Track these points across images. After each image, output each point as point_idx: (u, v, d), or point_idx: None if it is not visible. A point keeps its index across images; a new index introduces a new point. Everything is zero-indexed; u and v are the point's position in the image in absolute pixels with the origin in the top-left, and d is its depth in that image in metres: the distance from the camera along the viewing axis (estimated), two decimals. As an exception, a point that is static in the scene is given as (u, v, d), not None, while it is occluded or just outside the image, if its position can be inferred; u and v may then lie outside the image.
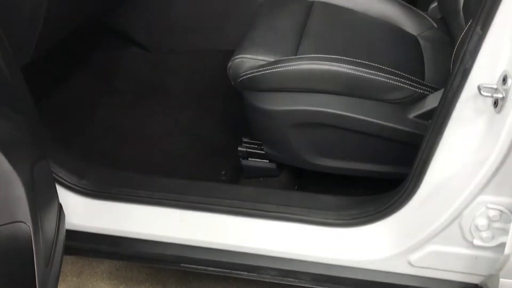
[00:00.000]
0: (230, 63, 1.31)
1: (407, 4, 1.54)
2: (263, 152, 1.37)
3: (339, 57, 1.21)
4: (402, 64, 1.29)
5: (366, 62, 1.21)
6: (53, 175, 1.13)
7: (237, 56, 1.30)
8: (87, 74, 1.88)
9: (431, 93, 1.19)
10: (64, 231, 0.99)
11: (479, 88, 0.85)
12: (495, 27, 0.83)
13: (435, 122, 0.96)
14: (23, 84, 1.11)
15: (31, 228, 0.80)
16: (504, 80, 0.84)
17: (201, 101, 1.76)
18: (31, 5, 1.07)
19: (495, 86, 0.85)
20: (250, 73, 1.26)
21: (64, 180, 1.21)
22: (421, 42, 1.46)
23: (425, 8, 1.60)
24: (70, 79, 1.83)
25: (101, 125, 1.68)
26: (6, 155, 0.82)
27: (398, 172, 1.22)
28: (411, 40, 1.46)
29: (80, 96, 1.79)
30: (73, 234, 1.20)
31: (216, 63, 1.78)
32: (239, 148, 1.40)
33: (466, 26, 1.28)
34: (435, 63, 1.36)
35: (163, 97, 1.80)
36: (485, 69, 0.86)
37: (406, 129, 1.18)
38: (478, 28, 0.85)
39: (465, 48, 0.88)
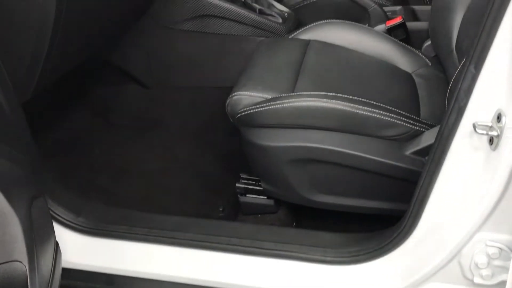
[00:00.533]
0: (228, 100, 1.32)
1: (401, 42, 1.58)
2: (261, 188, 1.37)
3: (336, 94, 1.23)
4: (398, 101, 1.31)
5: (362, 99, 1.22)
6: (50, 212, 1.12)
7: (235, 93, 1.32)
8: (85, 109, 1.89)
9: (427, 129, 1.21)
10: (60, 269, 0.98)
11: (474, 126, 0.87)
12: (487, 66, 0.85)
13: (432, 159, 0.96)
14: (23, 121, 1.12)
15: (27, 267, 0.79)
16: (499, 118, 0.85)
17: (200, 136, 1.77)
18: (34, 44, 1.09)
19: (490, 124, 0.86)
20: (248, 110, 1.28)
21: (61, 217, 1.20)
22: (416, 79, 1.49)
23: (419, 47, 1.64)
24: (68, 114, 1.84)
25: (99, 160, 1.68)
26: (4, 193, 0.82)
27: (397, 209, 1.22)
28: (406, 77, 1.49)
29: (78, 131, 1.80)
30: (69, 272, 1.18)
31: (214, 99, 1.80)
32: (237, 185, 1.40)
33: (459, 64, 1.31)
34: (430, 100, 1.39)
35: (161, 132, 1.81)
36: (479, 107, 0.88)
37: (403, 165, 1.19)
38: (472, 67, 0.87)
39: (459, 86, 0.90)
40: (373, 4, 1.70)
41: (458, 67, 1.30)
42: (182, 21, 1.76)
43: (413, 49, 1.57)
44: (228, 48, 1.79)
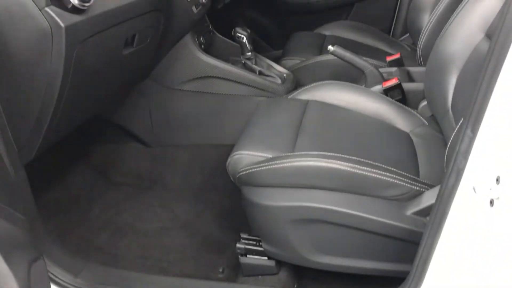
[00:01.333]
0: (229, 159, 1.34)
1: (398, 103, 1.62)
2: (262, 249, 1.36)
3: (336, 154, 1.25)
4: (397, 160, 1.32)
5: (362, 160, 1.24)
6: (48, 273, 1.10)
7: (236, 153, 1.33)
8: (85, 168, 1.90)
9: (427, 189, 1.21)
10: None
11: (474, 189, 0.87)
12: (484, 129, 0.87)
13: (433, 220, 0.96)
14: (26, 182, 1.13)
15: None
16: (498, 180, 0.86)
17: (199, 195, 1.77)
18: (40, 106, 1.12)
19: (489, 187, 0.87)
20: (249, 169, 1.29)
21: (59, 278, 1.18)
22: (413, 138, 1.51)
23: (415, 107, 1.68)
24: (68, 172, 1.85)
25: (98, 220, 1.67)
26: (4, 255, 0.81)
27: (400, 270, 1.21)
28: (404, 137, 1.51)
29: (78, 189, 1.80)
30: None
31: (214, 157, 1.82)
32: (238, 245, 1.39)
33: (455, 124, 1.34)
34: (428, 160, 1.40)
35: (161, 191, 1.81)
36: (478, 169, 0.89)
37: (405, 226, 1.18)
38: (469, 131, 0.89)
39: (457, 149, 0.91)
40: (369, 66, 1.75)
41: (454, 128, 1.33)
42: (184, 82, 1.81)
43: (409, 109, 1.61)
44: (228, 107, 1.83)
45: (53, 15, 1.03)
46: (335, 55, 1.77)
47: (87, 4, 1.08)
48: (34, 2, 1.01)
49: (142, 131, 1.90)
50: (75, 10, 1.06)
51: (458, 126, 1.08)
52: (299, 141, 1.37)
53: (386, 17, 2.60)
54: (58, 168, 1.84)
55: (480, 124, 0.87)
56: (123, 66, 1.43)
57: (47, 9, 1.02)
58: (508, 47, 0.80)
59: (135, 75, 1.66)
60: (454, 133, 1.13)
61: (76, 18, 1.07)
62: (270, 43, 2.66)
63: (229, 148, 1.38)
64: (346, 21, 2.53)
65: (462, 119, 0.94)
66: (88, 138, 1.96)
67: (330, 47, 1.76)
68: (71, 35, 1.06)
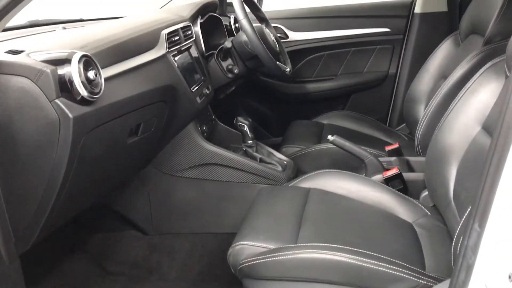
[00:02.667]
0: (230, 250, 1.31)
1: (399, 192, 1.62)
2: None
3: (340, 246, 1.22)
4: (402, 252, 1.30)
5: (368, 252, 1.21)
6: None
7: (237, 243, 1.31)
8: (81, 256, 1.85)
9: (435, 284, 1.18)
10: None
11: (485, 286, 0.84)
12: (492, 224, 0.86)
13: (445, 319, 0.92)
14: (20, 273, 1.09)
15: None
16: (510, 277, 0.83)
17: (198, 286, 1.71)
18: (42, 194, 1.11)
19: (502, 284, 0.84)
20: (251, 261, 1.26)
21: None
22: (417, 229, 1.49)
23: (416, 197, 1.68)
24: (64, 261, 1.80)
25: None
26: None
27: None
28: (407, 227, 1.49)
29: (73, 279, 1.74)
30: None
31: (214, 247, 1.78)
32: None
33: (459, 216, 1.33)
34: (433, 252, 1.37)
35: (158, 281, 1.75)
36: (488, 265, 0.86)
37: (414, 323, 1.13)
38: (476, 225, 0.87)
39: (465, 243, 0.90)
40: (369, 155, 1.78)
41: (458, 219, 1.32)
42: (185, 169, 1.82)
43: (411, 199, 1.61)
44: (229, 194, 1.83)
45: (62, 106, 1.05)
46: (334, 145, 1.80)
47: (96, 96, 1.11)
48: (44, 94, 1.04)
49: (141, 218, 1.87)
50: (84, 101, 1.09)
51: (463, 219, 1.06)
52: (302, 232, 1.35)
53: (382, 107, 2.68)
54: (54, 256, 1.79)
55: (487, 218, 0.86)
56: (127, 154, 1.44)
57: (57, 100, 1.05)
58: (511, 142, 0.81)
59: (138, 163, 1.68)
60: (459, 226, 1.12)
61: (84, 109, 1.10)
62: (269, 131, 2.72)
63: (230, 237, 1.35)
64: (343, 111, 2.61)
65: (468, 212, 0.93)
66: (85, 225, 1.93)
67: (329, 137, 1.79)
68: (78, 125, 1.08)
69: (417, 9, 2.48)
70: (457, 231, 1.12)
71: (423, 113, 2.15)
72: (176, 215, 1.86)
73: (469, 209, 1.06)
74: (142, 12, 2.08)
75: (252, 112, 2.64)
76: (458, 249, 1.12)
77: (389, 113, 2.69)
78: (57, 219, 1.23)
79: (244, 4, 1.94)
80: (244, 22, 1.89)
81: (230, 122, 2.20)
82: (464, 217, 1.10)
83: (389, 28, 2.54)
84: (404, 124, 2.53)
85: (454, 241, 1.14)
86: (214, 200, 1.83)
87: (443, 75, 2.13)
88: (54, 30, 1.65)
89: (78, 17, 2.14)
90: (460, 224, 1.11)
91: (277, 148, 2.14)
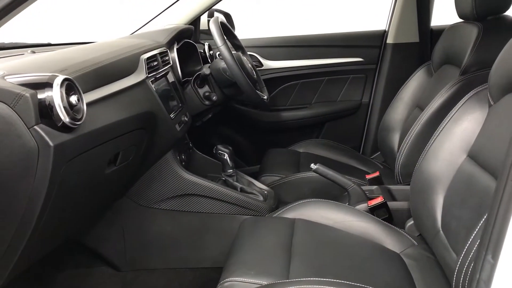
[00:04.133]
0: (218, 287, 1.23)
1: (385, 222, 1.59)
2: None
3: (334, 280, 1.17)
4: (395, 285, 1.26)
5: (361, 285, 1.16)
6: None
7: (226, 280, 1.22)
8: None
9: (433, 317, 1.14)
10: None
11: (504, 322, 0.81)
12: (506, 255, 0.83)
13: None
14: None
15: None
16: (527, 311, 0.80)
17: (176, 325, 1.60)
18: (14, 232, 1.00)
19: (521, 319, 0.80)
20: (242, 299, 1.18)
21: None
22: (405, 260, 1.46)
23: (401, 226, 1.65)
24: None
25: None
26: None
27: None
28: (396, 258, 1.45)
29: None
30: None
31: (193, 282, 1.68)
32: None
33: (449, 244, 1.31)
34: (425, 283, 1.34)
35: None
36: (503, 299, 0.83)
37: None
38: (489, 257, 0.84)
39: (478, 276, 0.86)
40: (352, 184, 1.75)
41: (449, 249, 1.30)
42: (163, 200, 1.73)
43: (397, 228, 1.58)
44: (209, 227, 1.75)
45: (42, 133, 0.96)
46: (317, 173, 1.77)
47: (78, 123, 1.03)
48: (22, 120, 0.95)
49: (114, 253, 1.75)
50: (65, 128, 1.01)
51: (474, 251, 1.02)
52: (293, 266, 1.28)
53: (356, 136, 2.69)
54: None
55: (501, 250, 0.83)
56: (104, 185, 1.35)
57: (36, 127, 0.96)
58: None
59: (114, 195, 1.58)
60: (461, 258, 1.08)
61: (65, 136, 1.01)
62: (244, 159, 2.66)
63: (209, 272, 1.28)
64: (318, 139, 2.59)
65: (478, 244, 0.90)
66: (51, 261, 1.78)
67: (313, 165, 1.76)
68: (59, 154, 0.99)
69: (389, 40, 2.53)
70: (458, 264, 1.09)
71: (398, 141, 2.17)
72: (152, 249, 1.75)
73: (475, 240, 1.04)
74: (113, 37, 2.01)
75: (226, 140, 2.58)
76: (461, 283, 1.09)
77: (363, 142, 2.70)
78: (29, 259, 1.11)
79: None
80: (223, 48, 1.85)
81: (206, 150, 2.14)
82: (475, 248, 1.07)
83: (362, 57, 2.57)
84: (379, 152, 2.54)
85: (455, 274, 1.10)
86: (193, 233, 1.74)
87: (417, 104, 2.16)
88: (23, 54, 1.55)
89: (45, 42, 2.04)
90: (462, 255, 1.07)
91: (255, 177, 2.09)
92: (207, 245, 1.74)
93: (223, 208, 1.75)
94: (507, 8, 1.76)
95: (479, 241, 0.94)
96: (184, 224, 1.74)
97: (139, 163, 1.51)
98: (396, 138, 2.21)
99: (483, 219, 1.04)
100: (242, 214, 1.75)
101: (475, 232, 1.05)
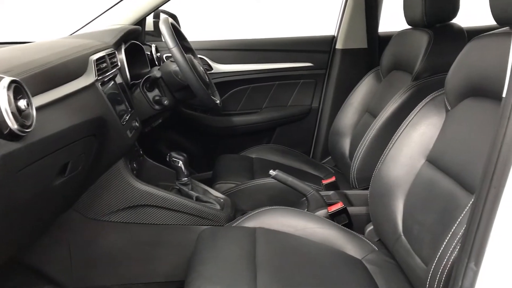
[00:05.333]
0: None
1: (345, 228, 1.58)
2: None
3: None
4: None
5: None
6: None
7: (191, 297, 1.15)
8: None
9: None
10: None
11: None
12: (488, 262, 0.82)
13: None
14: None
15: None
16: (511, 318, 0.80)
17: None
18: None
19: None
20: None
21: None
22: (368, 266, 1.45)
23: (361, 231, 1.65)
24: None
25: None
26: None
27: None
28: (358, 265, 1.44)
29: None
30: None
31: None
32: None
33: (413, 250, 1.32)
34: (391, 289, 1.34)
35: None
36: (486, 306, 0.83)
37: None
38: (472, 265, 0.84)
39: (460, 284, 0.85)
40: (311, 190, 1.73)
41: (413, 254, 1.30)
42: (113, 212, 1.61)
43: (358, 234, 1.57)
44: (163, 239, 1.65)
45: (-14, 142, 0.84)
46: (277, 179, 1.72)
47: (27, 130, 0.92)
48: (-38, 128, 0.83)
49: (59, 271, 1.61)
50: (13, 136, 0.89)
51: (454, 259, 1.01)
52: (260, 279, 1.23)
53: (306, 140, 2.69)
54: None
55: (483, 257, 0.83)
56: (52, 198, 1.22)
57: (-23, 135, 0.84)
58: (507, 176, 0.79)
59: (61, 208, 1.44)
60: (433, 265, 1.07)
61: (13, 145, 0.89)
62: (194, 166, 2.58)
63: (163, 287, 1.19)
64: (269, 144, 2.57)
65: (459, 250, 0.89)
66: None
67: (272, 172, 1.71)
68: (6, 165, 0.87)
69: (338, 45, 2.55)
70: (431, 271, 1.08)
71: (349, 146, 2.18)
72: (101, 265, 1.63)
73: (449, 247, 1.03)
74: (51, 37, 1.86)
75: (175, 146, 2.48)
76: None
77: (313, 146, 2.70)
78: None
79: None
80: (175, 50, 1.77)
81: (155, 157, 2.03)
82: (437, 254, 1.06)
83: (312, 62, 2.58)
84: (329, 157, 2.55)
85: (428, 282, 1.09)
86: (146, 246, 1.64)
87: (367, 109, 2.19)
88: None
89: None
90: (434, 263, 1.06)
91: (208, 184, 2.01)
92: (161, 259, 1.64)
93: (178, 218, 1.66)
94: (454, 15, 1.82)
95: (457, 248, 0.94)
96: (137, 237, 1.63)
97: (88, 172, 1.39)
98: (347, 142, 2.23)
99: (455, 225, 1.04)
100: (199, 225, 1.67)
101: (447, 238, 1.05)
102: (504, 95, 0.80)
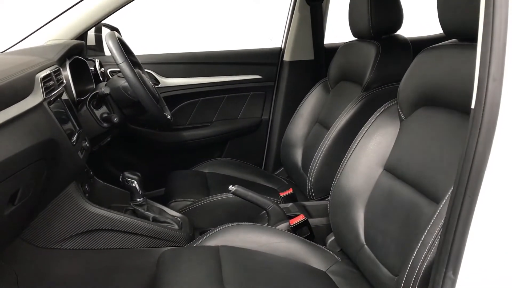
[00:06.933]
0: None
1: (308, 240, 1.58)
2: None
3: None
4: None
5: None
6: None
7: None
8: None
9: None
10: None
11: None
12: (465, 270, 0.84)
13: None
14: None
15: None
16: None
17: None
18: None
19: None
20: None
21: None
22: (332, 277, 1.45)
23: (322, 242, 1.66)
24: None
25: None
26: None
27: None
28: (323, 277, 1.44)
29: None
30: None
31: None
32: None
33: (377, 259, 1.33)
34: (359, 300, 1.34)
35: None
36: (465, 314, 0.84)
37: None
38: (450, 273, 0.85)
39: (439, 293, 0.87)
40: (272, 204, 1.71)
41: (378, 263, 1.32)
42: (65, 239, 1.50)
43: (320, 246, 1.57)
44: (121, 264, 1.56)
45: None
46: (236, 195, 1.69)
47: (-23, 159, 0.83)
48: None
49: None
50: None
51: (427, 268, 1.03)
52: (231, 299, 1.19)
53: (258, 153, 2.68)
54: None
55: (460, 265, 0.84)
56: (2, 229, 1.12)
57: None
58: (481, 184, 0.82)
59: (9, 238, 1.32)
60: (406, 275, 1.09)
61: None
62: (145, 184, 2.48)
63: None
64: (221, 158, 2.53)
65: (437, 261, 0.90)
66: None
67: (231, 187, 1.68)
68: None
69: (286, 57, 2.57)
70: (403, 281, 1.09)
71: (301, 157, 2.20)
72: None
73: (419, 257, 1.04)
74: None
75: (123, 164, 2.38)
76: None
77: (264, 158, 2.70)
78: None
79: None
80: (124, 66, 1.70)
81: (105, 177, 1.94)
82: (408, 264, 1.08)
83: (261, 75, 2.58)
84: (282, 168, 2.56)
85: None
86: (102, 273, 1.54)
87: (318, 120, 2.22)
88: None
89: None
90: (406, 273, 1.08)
91: (163, 202, 1.94)
92: (119, 285, 1.55)
93: (135, 242, 1.58)
94: (399, 27, 1.89)
95: (428, 257, 0.95)
96: (92, 264, 1.53)
97: (39, 198, 1.30)
98: (299, 153, 2.24)
99: (424, 234, 1.06)
100: (158, 247, 1.60)
101: (417, 248, 1.06)
102: (472, 106, 0.82)
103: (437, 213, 1.03)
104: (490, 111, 0.79)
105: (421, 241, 1.06)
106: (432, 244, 1.01)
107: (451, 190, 0.95)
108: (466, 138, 0.83)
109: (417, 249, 1.06)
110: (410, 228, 1.21)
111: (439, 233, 1.00)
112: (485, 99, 0.78)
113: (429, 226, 1.04)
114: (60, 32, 2.05)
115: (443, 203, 1.03)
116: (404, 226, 1.25)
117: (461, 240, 0.84)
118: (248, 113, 2.61)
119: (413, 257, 1.06)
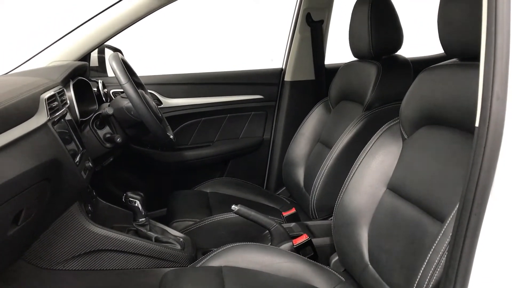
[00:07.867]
0: None
1: (311, 260, 1.57)
2: None
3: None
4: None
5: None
6: None
7: None
8: None
9: None
10: None
11: None
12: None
13: None
14: None
15: None
16: None
17: None
18: None
19: None
20: None
21: None
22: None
23: (326, 262, 1.64)
24: None
25: None
26: None
27: None
28: (329, 297, 1.43)
29: None
30: None
31: None
32: None
33: (382, 279, 1.32)
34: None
35: None
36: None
37: None
38: (457, 292, 0.85)
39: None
40: (274, 224, 1.70)
41: (383, 283, 1.31)
42: (68, 260, 1.49)
43: (324, 266, 1.56)
44: (123, 285, 1.55)
45: None
46: (239, 215, 1.69)
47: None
48: None
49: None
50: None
51: (434, 287, 1.02)
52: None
53: (260, 172, 2.68)
54: None
55: (468, 282, 0.84)
56: (3, 250, 1.11)
57: None
58: (485, 208, 0.82)
59: (11, 259, 1.31)
60: None
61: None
62: (147, 204, 2.48)
63: None
64: (223, 178, 2.52)
65: (437, 282, 0.90)
66: None
67: (234, 206, 1.68)
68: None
69: (287, 78, 2.60)
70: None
71: (303, 176, 2.20)
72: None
73: (426, 276, 1.04)
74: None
75: (126, 184, 2.38)
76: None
77: (266, 178, 2.69)
78: None
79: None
80: (127, 86, 1.72)
81: (107, 197, 1.94)
82: (414, 283, 1.07)
83: (262, 95, 2.60)
84: (284, 188, 2.55)
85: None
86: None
87: (319, 139, 2.22)
88: None
89: None
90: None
91: (165, 222, 1.93)
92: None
93: (138, 262, 1.57)
94: (399, 48, 1.91)
95: (435, 276, 0.95)
96: (95, 284, 1.52)
97: (42, 219, 1.29)
98: (300, 173, 2.24)
99: (430, 253, 1.05)
100: (161, 267, 1.59)
101: (423, 267, 1.06)
102: (477, 124, 0.83)
103: (442, 232, 1.03)
104: (495, 129, 0.79)
105: (426, 260, 1.05)
106: (438, 263, 1.01)
107: (456, 208, 0.95)
108: (471, 156, 0.83)
109: (422, 268, 1.05)
110: (415, 247, 1.20)
111: (445, 252, 0.99)
112: (489, 117, 0.79)
113: (435, 244, 1.04)
114: (64, 54, 2.08)
115: (448, 221, 1.03)
116: (409, 245, 1.24)
117: (468, 258, 0.83)
118: (249, 133, 2.62)
119: (419, 276, 1.06)
